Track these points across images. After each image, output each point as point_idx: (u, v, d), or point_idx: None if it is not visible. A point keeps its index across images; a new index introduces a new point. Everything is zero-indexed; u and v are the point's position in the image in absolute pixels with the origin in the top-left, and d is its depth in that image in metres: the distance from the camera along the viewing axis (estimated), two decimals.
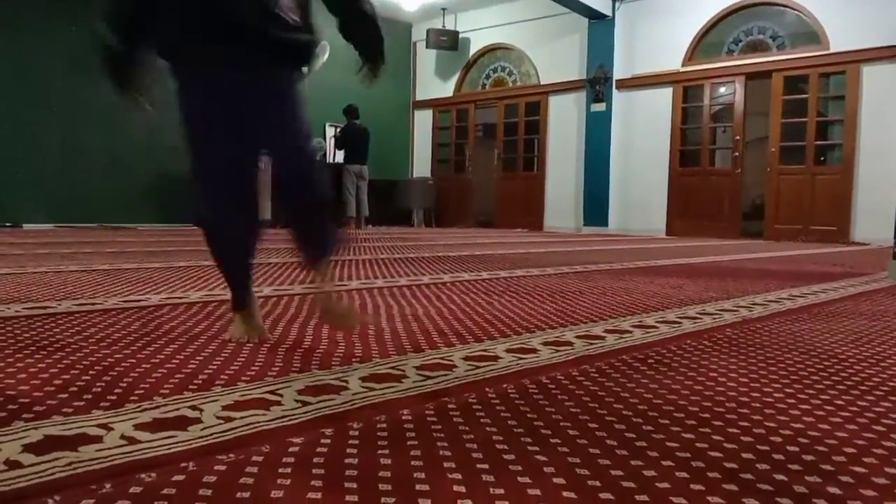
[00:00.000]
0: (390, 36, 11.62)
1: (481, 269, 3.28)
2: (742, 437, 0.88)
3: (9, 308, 1.77)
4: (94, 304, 1.89)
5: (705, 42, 9.06)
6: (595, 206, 9.80)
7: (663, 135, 9.36)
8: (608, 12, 9.49)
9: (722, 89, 9.11)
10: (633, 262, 4.01)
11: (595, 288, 2.53)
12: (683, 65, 9.15)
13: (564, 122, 10.32)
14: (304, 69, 1.49)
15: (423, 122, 12.35)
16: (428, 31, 11.27)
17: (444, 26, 11.36)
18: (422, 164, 12.33)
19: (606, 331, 1.62)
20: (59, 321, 1.60)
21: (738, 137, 8.78)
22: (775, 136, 8.49)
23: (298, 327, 1.60)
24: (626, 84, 9.59)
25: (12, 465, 0.73)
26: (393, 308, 1.93)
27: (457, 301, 2.10)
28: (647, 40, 9.40)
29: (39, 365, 1.16)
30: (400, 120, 12.20)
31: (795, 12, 8.22)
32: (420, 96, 12.30)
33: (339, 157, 10.00)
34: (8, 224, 7.41)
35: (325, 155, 10.68)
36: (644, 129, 9.51)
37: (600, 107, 9.69)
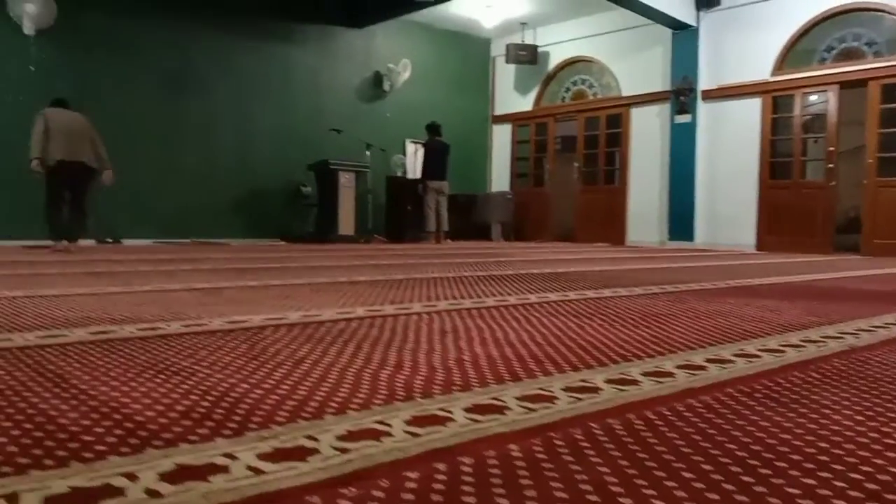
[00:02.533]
0: (469, 52, 11.88)
1: (567, 288, 3.26)
2: (866, 484, 0.85)
3: (123, 328, 1.88)
4: (200, 324, 1.98)
5: (796, 50, 8.76)
6: (680, 220, 9.58)
7: (752, 146, 9.09)
8: (692, 22, 9.30)
9: (813, 98, 8.78)
10: (725, 280, 3.89)
11: (688, 311, 2.48)
12: (773, 74, 8.88)
13: (647, 134, 10.16)
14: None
15: (501, 137, 12.40)
16: (507, 46, 11.32)
17: (523, 41, 11.38)
18: (500, 179, 12.36)
19: (707, 360, 1.58)
20: (171, 342, 1.69)
21: (831, 148, 8.44)
22: (872, 147, 8.12)
23: (396, 351, 1.63)
24: (711, 95, 9.37)
25: (152, 493, 0.78)
26: (484, 331, 1.94)
27: (547, 324, 2.09)
28: (734, 50, 9.16)
29: (160, 389, 1.23)
30: (479, 135, 12.27)
31: (894, 17, 7.85)
32: (499, 111, 12.35)
33: (420, 172, 10.11)
34: (109, 239, 7.84)
35: (405, 171, 10.84)
36: (731, 141, 9.26)
37: (685, 118, 9.49)
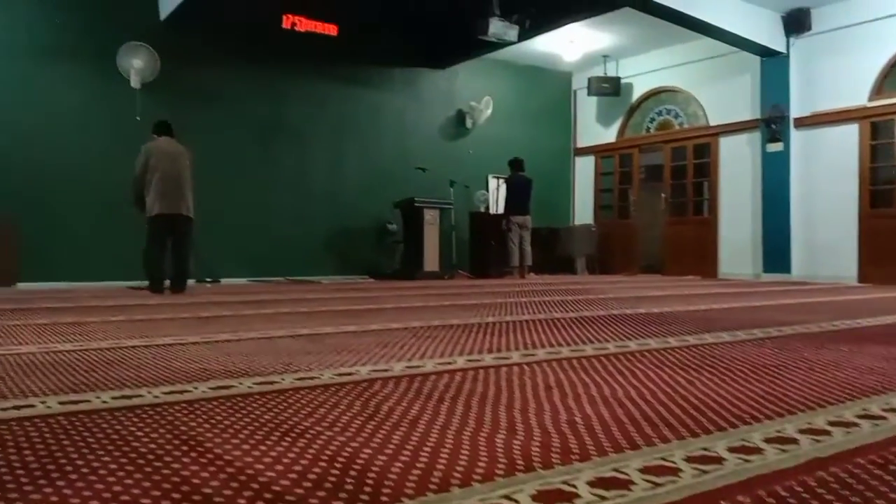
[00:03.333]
0: (550, 85, 11.91)
1: (666, 332, 3.20)
2: None
3: (242, 383, 1.97)
4: (312, 377, 2.05)
5: (895, 74, 8.40)
6: (775, 251, 9.24)
7: (850, 174, 8.72)
8: (782, 49, 9.06)
9: None
10: (831, 321, 3.73)
11: (799, 361, 2.39)
12: (870, 99, 8.53)
13: (737, 163, 9.89)
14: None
15: (584, 169, 12.33)
16: (589, 79, 11.31)
17: (605, 73, 11.33)
18: (584, 211, 12.27)
19: (830, 423, 1.53)
20: (290, 399, 1.75)
21: None
22: None
23: (505, 410, 1.64)
24: (804, 122, 9.06)
25: None
26: (590, 387, 1.93)
27: (654, 378, 2.06)
28: (827, 75, 8.86)
29: (290, 455, 1.28)
30: (561, 167, 12.25)
31: None
32: (581, 143, 12.31)
33: (503, 207, 10.16)
34: (209, 279, 8.18)
35: (487, 206, 10.91)
36: (827, 169, 8.91)
37: (777, 147, 9.21)
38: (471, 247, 10.39)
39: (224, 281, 8.47)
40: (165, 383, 1.96)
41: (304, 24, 8.54)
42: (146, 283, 6.58)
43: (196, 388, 1.90)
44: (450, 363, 2.32)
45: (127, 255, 7.56)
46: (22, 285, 7.51)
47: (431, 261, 9.52)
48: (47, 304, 5.01)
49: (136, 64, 8.18)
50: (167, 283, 6.51)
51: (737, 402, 1.73)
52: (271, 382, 1.97)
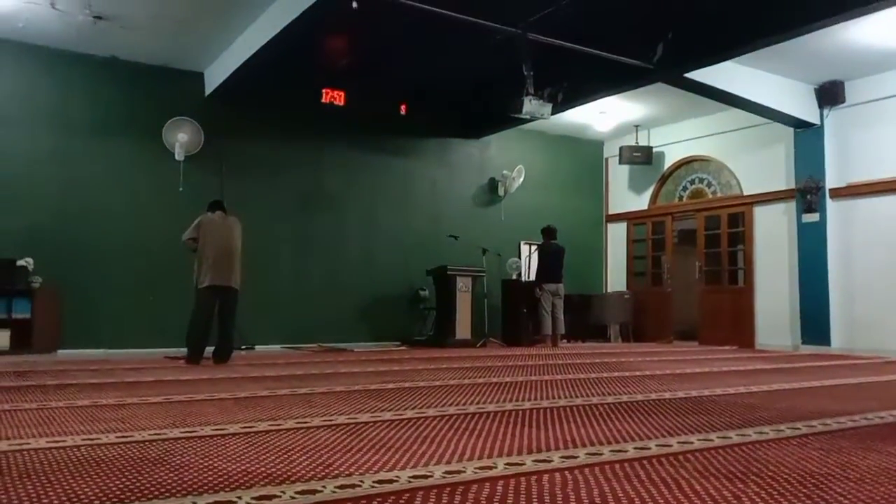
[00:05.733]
0: (582, 154, 12.07)
1: (707, 425, 3.14)
2: None
3: (284, 493, 1.97)
4: (353, 484, 2.04)
5: None
6: (814, 323, 9.07)
7: (890, 245, 8.60)
8: (815, 120, 9.08)
9: None
10: (879, 413, 3.62)
11: (848, 468, 2.33)
12: None
13: (773, 233, 9.82)
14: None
15: (616, 236, 12.33)
16: (621, 148, 11.41)
17: (636, 142, 11.44)
18: (617, 278, 12.22)
19: None
20: None
21: None
22: None
23: None
24: (840, 193, 9.01)
25: None
26: None
27: (699, 492, 2.02)
28: (863, 146, 8.84)
29: None
30: (593, 235, 12.27)
31: None
32: (613, 210, 12.35)
33: (535, 275, 10.16)
34: (244, 347, 8.26)
35: (519, 274, 10.92)
36: (866, 240, 8.80)
37: (813, 217, 9.14)
38: (503, 314, 10.37)
39: (258, 348, 8.54)
40: (209, 491, 1.98)
41: (342, 99, 8.80)
42: (185, 351, 6.63)
43: (240, 497, 1.91)
44: (490, 468, 2.30)
45: (164, 324, 7.69)
46: (62, 352, 7.66)
47: (463, 328, 9.52)
48: (87, 379, 5.09)
49: (181, 137, 8.47)
50: (207, 353, 6.55)
51: None
52: (313, 492, 1.97)
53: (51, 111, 8.12)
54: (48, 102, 8.12)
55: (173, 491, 1.97)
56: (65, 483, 2.05)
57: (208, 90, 8.80)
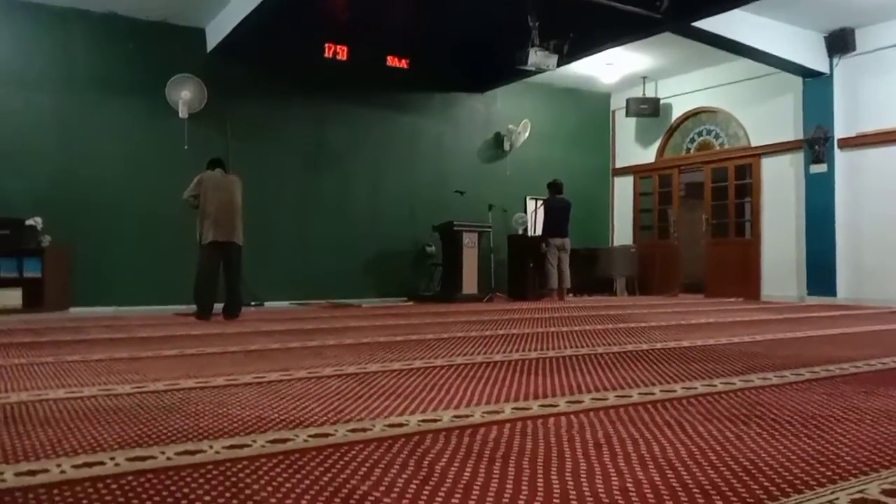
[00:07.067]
0: (588, 107, 11.94)
1: (711, 372, 3.19)
2: None
3: (298, 436, 2.03)
4: (364, 428, 2.10)
5: None
6: (820, 273, 9.08)
7: None
8: (825, 69, 8.95)
9: None
10: (881, 359, 3.66)
11: (849, 410, 2.37)
12: None
13: (780, 184, 9.77)
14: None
15: (623, 189, 12.28)
16: (628, 100, 11.30)
17: (643, 94, 11.31)
18: (623, 232, 12.21)
19: (884, 491, 1.52)
20: (345, 456, 1.81)
21: None
22: None
23: (557, 474, 1.67)
24: (849, 143, 8.93)
25: None
26: (639, 444, 1.94)
27: (703, 433, 2.07)
28: (873, 95, 8.72)
29: None
30: (600, 188, 12.23)
31: None
32: (620, 163, 12.27)
33: (541, 229, 10.18)
34: (254, 303, 8.34)
35: (525, 229, 10.93)
36: (875, 190, 8.75)
37: (821, 168, 9.08)
38: (509, 269, 10.41)
39: (267, 304, 8.63)
40: (225, 435, 2.04)
41: (345, 54, 8.71)
42: (193, 308, 6.71)
43: (255, 440, 1.97)
44: (497, 412, 2.35)
45: (172, 280, 7.76)
46: (74, 309, 7.75)
47: (470, 283, 9.58)
48: (101, 334, 5.18)
49: (185, 95, 8.42)
50: (216, 309, 6.63)
51: (787, 465, 1.73)
52: (325, 435, 2.03)
53: (52, 70, 8.07)
54: (49, 61, 8.07)
55: (190, 436, 2.03)
56: (84, 430, 2.11)
57: (210, 46, 8.72)
